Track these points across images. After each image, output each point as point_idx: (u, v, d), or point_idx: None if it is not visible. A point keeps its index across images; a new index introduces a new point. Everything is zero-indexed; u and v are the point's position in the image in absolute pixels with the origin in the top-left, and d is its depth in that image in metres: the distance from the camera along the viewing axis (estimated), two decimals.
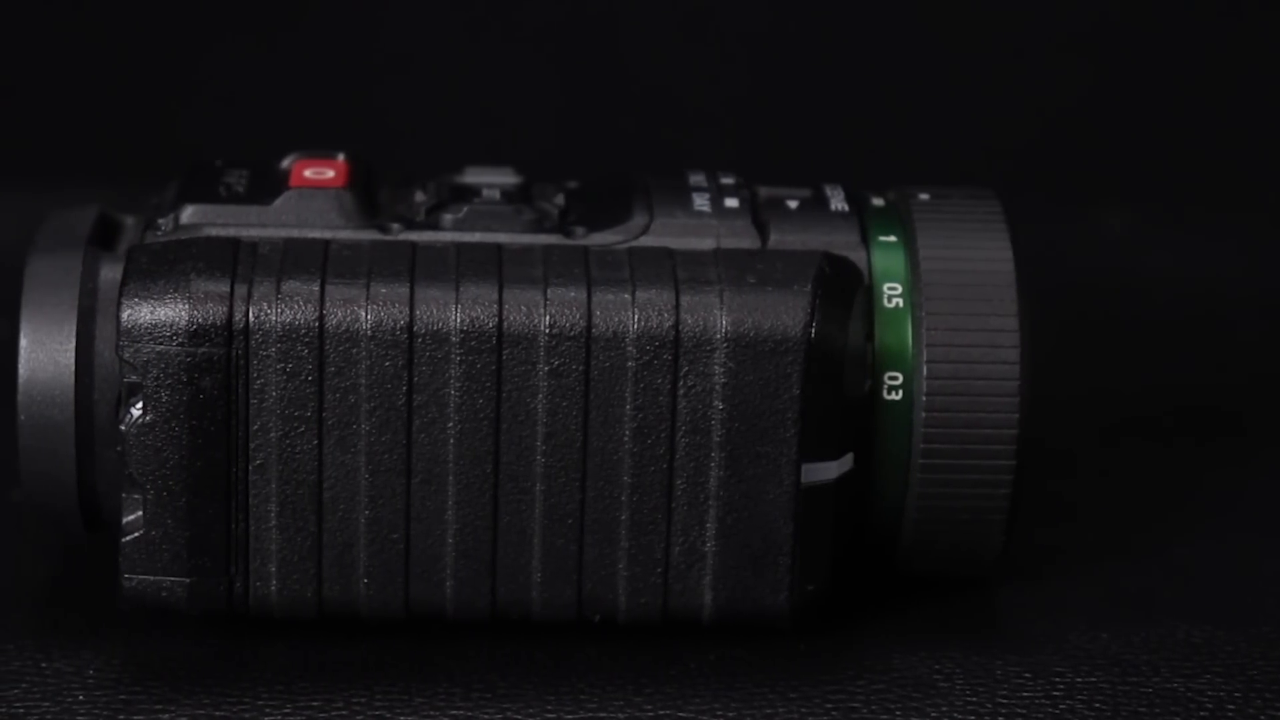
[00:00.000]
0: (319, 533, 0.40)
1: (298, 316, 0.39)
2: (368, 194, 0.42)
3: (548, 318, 0.40)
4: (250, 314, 0.39)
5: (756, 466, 0.40)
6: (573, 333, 0.40)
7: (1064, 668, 0.41)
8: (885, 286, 0.41)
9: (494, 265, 0.40)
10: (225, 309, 0.39)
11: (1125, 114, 0.62)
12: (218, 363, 0.39)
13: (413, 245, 0.41)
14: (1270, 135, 0.62)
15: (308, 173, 0.42)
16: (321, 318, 0.39)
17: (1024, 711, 0.40)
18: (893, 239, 0.42)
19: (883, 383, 0.41)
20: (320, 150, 0.43)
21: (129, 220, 0.43)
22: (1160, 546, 0.46)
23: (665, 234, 0.41)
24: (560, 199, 0.43)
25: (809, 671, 0.41)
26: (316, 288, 0.40)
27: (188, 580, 0.40)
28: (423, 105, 0.62)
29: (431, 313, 0.40)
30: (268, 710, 0.39)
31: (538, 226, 0.41)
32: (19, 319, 0.41)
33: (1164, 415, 0.52)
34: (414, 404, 0.40)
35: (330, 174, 0.42)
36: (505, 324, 0.40)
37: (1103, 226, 0.61)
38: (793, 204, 0.42)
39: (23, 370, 0.40)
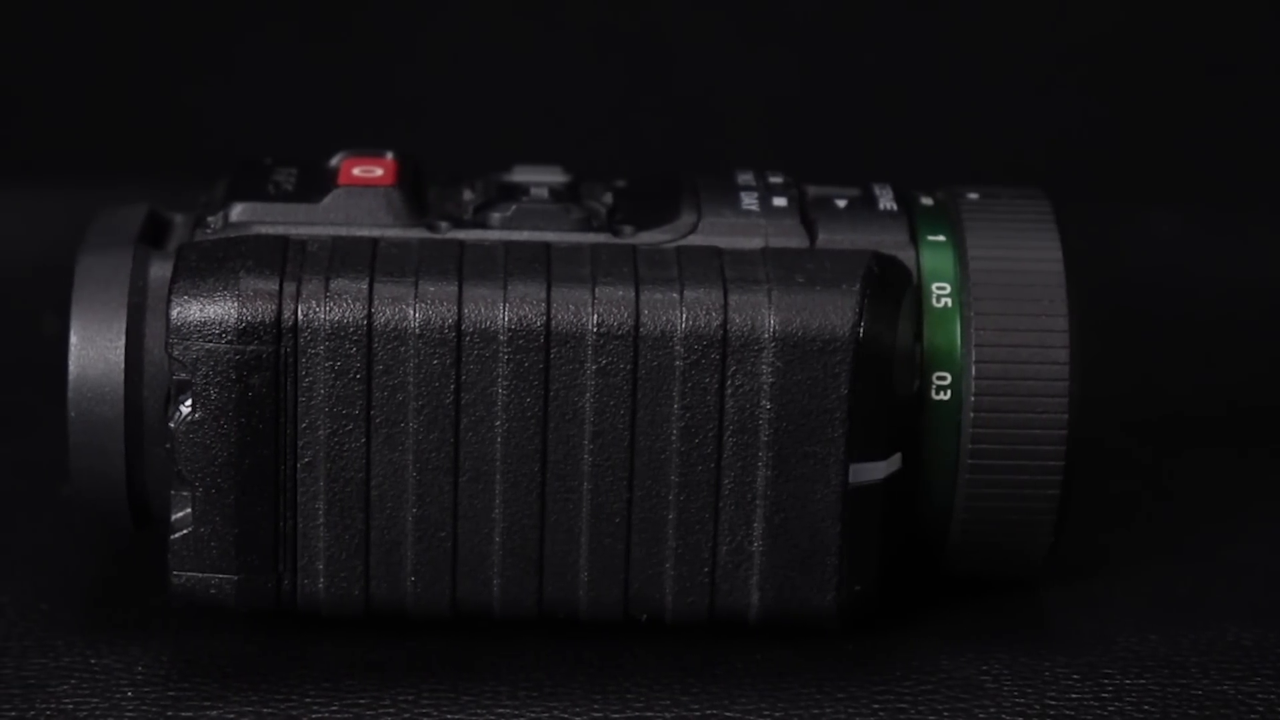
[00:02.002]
0: (366, 531, 0.40)
1: (346, 315, 0.39)
2: (416, 192, 0.42)
3: (596, 316, 0.40)
4: (299, 312, 0.39)
5: (804, 466, 0.40)
6: (620, 331, 0.40)
7: (1113, 669, 0.41)
8: (934, 286, 0.41)
9: (542, 264, 0.40)
10: (274, 307, 0.39)
11: (1174, 114, 0.62)
12: (266, 360, 0.39)
13: (461, 244, 0.41)
14: None
15: (356, 171, 0.42)
16: (370, 316, 0.39)
17: (1072, 713, 0.40)
18: (941, 238, 0.42)
19: (931, 383, 0.41)
20: (369, 148, 0.43)
21: (178, 218, 0.43)
22: (1210, 548, 0.46)
23: (713, 233, 0.41)
24: (608, 198, 0.43)
25: (856, 672, 0.41)
26: (365, 286, 0.40)
27: (236, 577, 0.40)
28: (471, 103, 0.62)
29: (480, 311, 0.40)
30: (315, 707, 0.40)
31: (586, 225, 0.41)
32: (69, 316, 0.41)
33: (1214, 416, 0.52)
34: (462, 402, 0.40)
35: (379, 172, 0.42)
36: (553, 323, 0.40)
37: (1153, 226, 0.61)
38: (841, 203, 0.42)
39: (73, 367, 0.41)
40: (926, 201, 0.43)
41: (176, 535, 0.40)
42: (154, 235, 0.42)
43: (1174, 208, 0.61)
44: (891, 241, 0.41)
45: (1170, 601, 0.43)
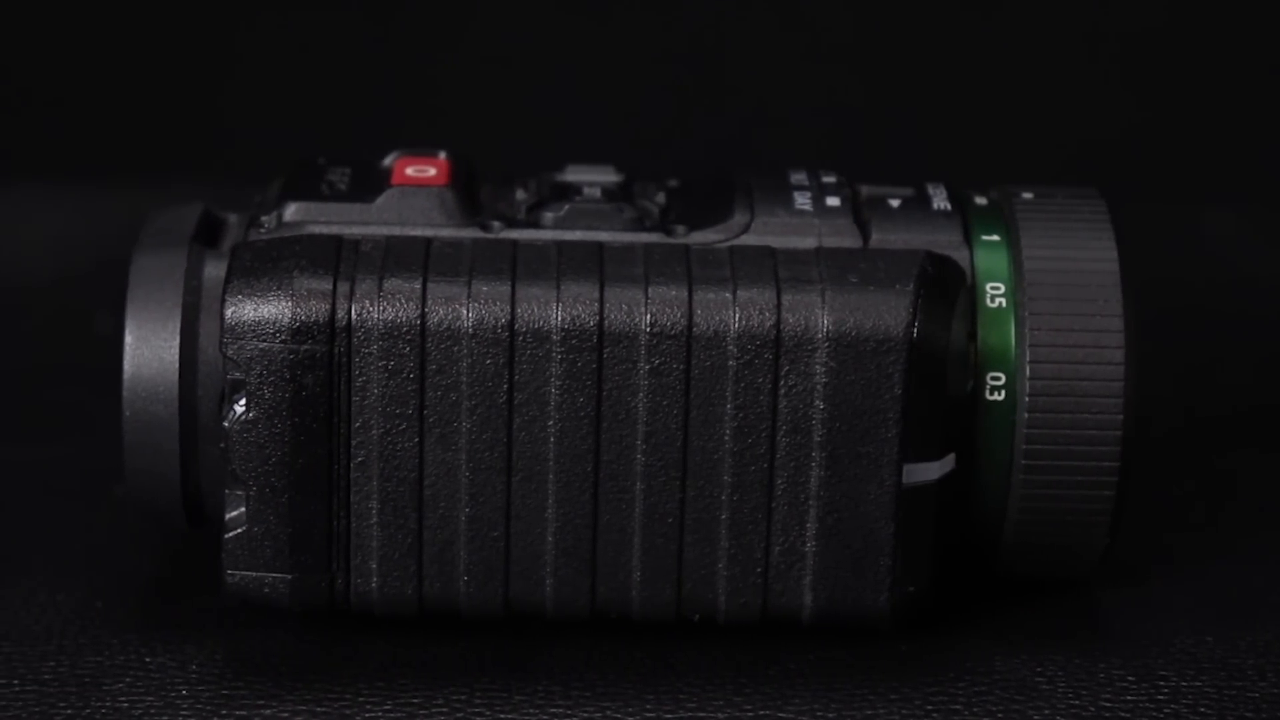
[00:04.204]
0: (420, 530, 0.40)
1: (400, 314, 0.40)
2: (469, 192, 0.42)
3: (649, 316, 0.40)
4: (352, 311, 0.39)
5: (857, 467, 0.40)
6: (673, 331, 0.40)
7: (1169, 671, 0.41)
8: (988, 286, 0.41)
9: (595, 264, 0.40)
10: (328, 306, 0.39)
11: (1229, 112, 0.62)
12: (320, 360, 0.39)
13: (514, 243, 0.41)
14: None
15: (409, 170, 0.42)
16: (423, 316, 0.40)
17: (1127, 715, 0.40)
18: (996, 238, 0.42)
19: (985, 383, 0.41)
20: (422, 148, 0.43)
21: (232, 218, 0.43)
22: (1267, 549, 0.45)
23: (766, 233, 0.41)
24: (661, 197, 0.43)
25: (910, 673, 0.41)
26: (418, 286, 0.40)
27: (289, 576, 0.40)
28: (524, 102, 0.62)
29: (533, 311, 0.40)
30: (368, 706, 0.40)
31: (639, 225, 0.41)
32: (124, 316, 0.41)
33: (1271, 415, 0.52)
34: (515, 402, 0.40)
35: (432, 172, 0.42)
36: (606, 322, 0.40)
37: (1208, 225, 0.60)
38: (895, 203, 0.42)
39: (127, 366, 0.41)
40: (981, 201, 0.42)
41: (230, 534, 0.40)
42: (208, 235, 0.42)
43: (1229, 206, 0.61)
44: (945, 241, 0.41)
45: (1227, 603, 0.43)
